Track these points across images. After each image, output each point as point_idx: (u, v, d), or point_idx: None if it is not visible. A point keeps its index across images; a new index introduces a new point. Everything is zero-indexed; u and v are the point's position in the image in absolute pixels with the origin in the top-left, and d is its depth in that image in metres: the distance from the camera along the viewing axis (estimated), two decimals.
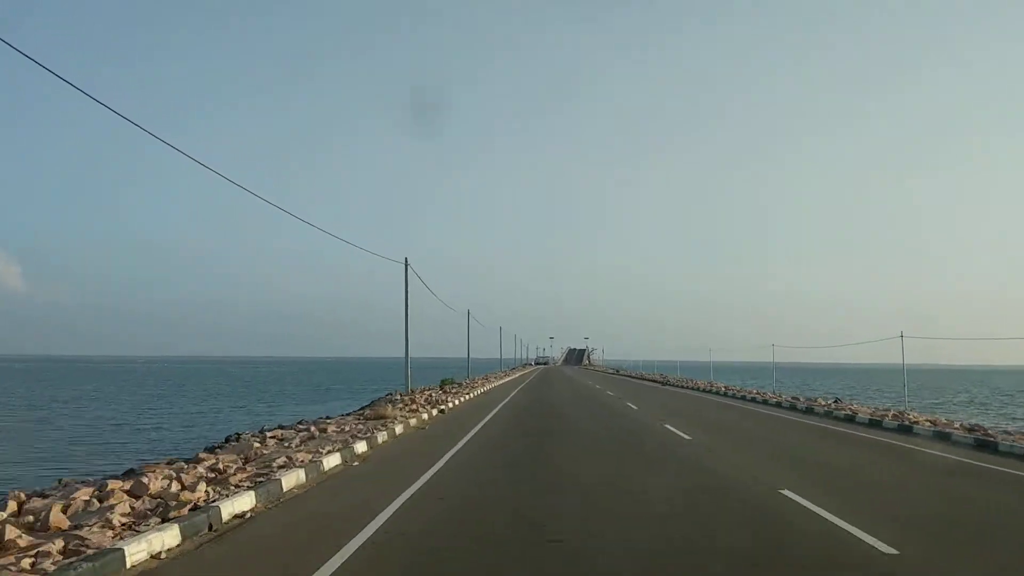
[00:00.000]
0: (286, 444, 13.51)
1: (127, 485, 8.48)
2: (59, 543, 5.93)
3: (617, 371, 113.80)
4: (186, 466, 10.39)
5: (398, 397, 28.56)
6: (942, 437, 17.74)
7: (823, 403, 29.89)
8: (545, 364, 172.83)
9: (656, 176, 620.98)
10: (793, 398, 34.46)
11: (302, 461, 10.78)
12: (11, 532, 6.15)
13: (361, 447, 12.97)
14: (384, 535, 6.94)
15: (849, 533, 7.11)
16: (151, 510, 7.34)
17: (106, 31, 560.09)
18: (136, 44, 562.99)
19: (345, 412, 25.93)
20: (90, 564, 5.38)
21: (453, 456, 12.64)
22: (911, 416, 22.67)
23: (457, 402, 28.04)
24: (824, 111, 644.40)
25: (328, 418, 21.14)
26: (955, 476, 11.88)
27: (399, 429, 16.94)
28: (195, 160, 13.09)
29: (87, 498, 7.87)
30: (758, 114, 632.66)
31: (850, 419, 22.91)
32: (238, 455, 11.61)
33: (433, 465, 11.40)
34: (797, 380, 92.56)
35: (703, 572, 5.92)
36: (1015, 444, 15.17)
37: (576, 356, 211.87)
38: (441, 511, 8.16)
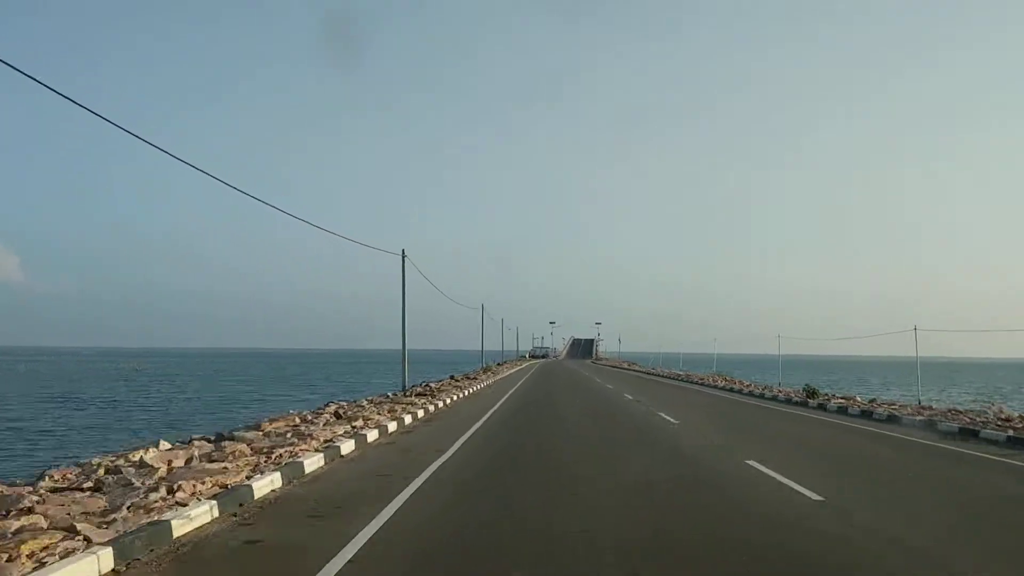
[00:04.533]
0: None
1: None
2: None
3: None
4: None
5: None
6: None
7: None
8: (544, 357, 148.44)
9: (656, 168, 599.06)
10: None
11: None
12: None
13: None
14: None
15: None
16: None
17: None
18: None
19: None
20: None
21: None
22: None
23: None
24: (828, 100, 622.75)
25: None
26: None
27: None
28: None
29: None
30: (748, 111, 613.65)
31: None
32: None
33: None
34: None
35: None
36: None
37: (583, 348, 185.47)
38: None
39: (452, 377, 41.58)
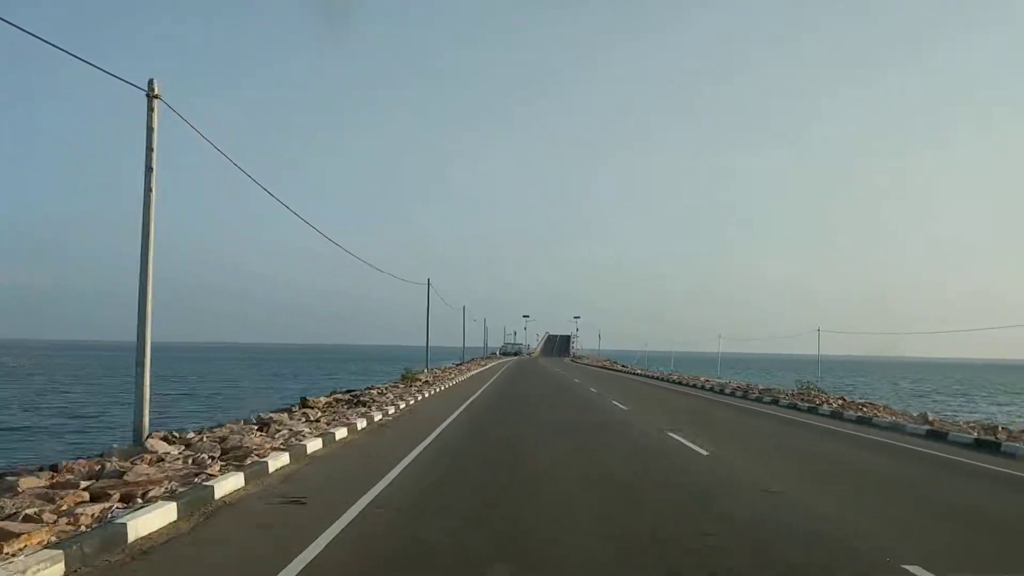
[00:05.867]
0: None
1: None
2: None
3: None
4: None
5: None
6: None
7: None
8: (516, 355, 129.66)
9: (648, 166, 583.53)
10: None
11: None
12: None
13: None
14: None
15: None
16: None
17: None
18: None
19: None
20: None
21: None
22: None
23: None
24: (828, 99, 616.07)
25: None
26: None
27: None
28: None
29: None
30: (736, 108, 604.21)
31: None
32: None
33: None
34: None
35: None
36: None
37: (559, 345, 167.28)
38: None
39: (303, 403, 18.29)
